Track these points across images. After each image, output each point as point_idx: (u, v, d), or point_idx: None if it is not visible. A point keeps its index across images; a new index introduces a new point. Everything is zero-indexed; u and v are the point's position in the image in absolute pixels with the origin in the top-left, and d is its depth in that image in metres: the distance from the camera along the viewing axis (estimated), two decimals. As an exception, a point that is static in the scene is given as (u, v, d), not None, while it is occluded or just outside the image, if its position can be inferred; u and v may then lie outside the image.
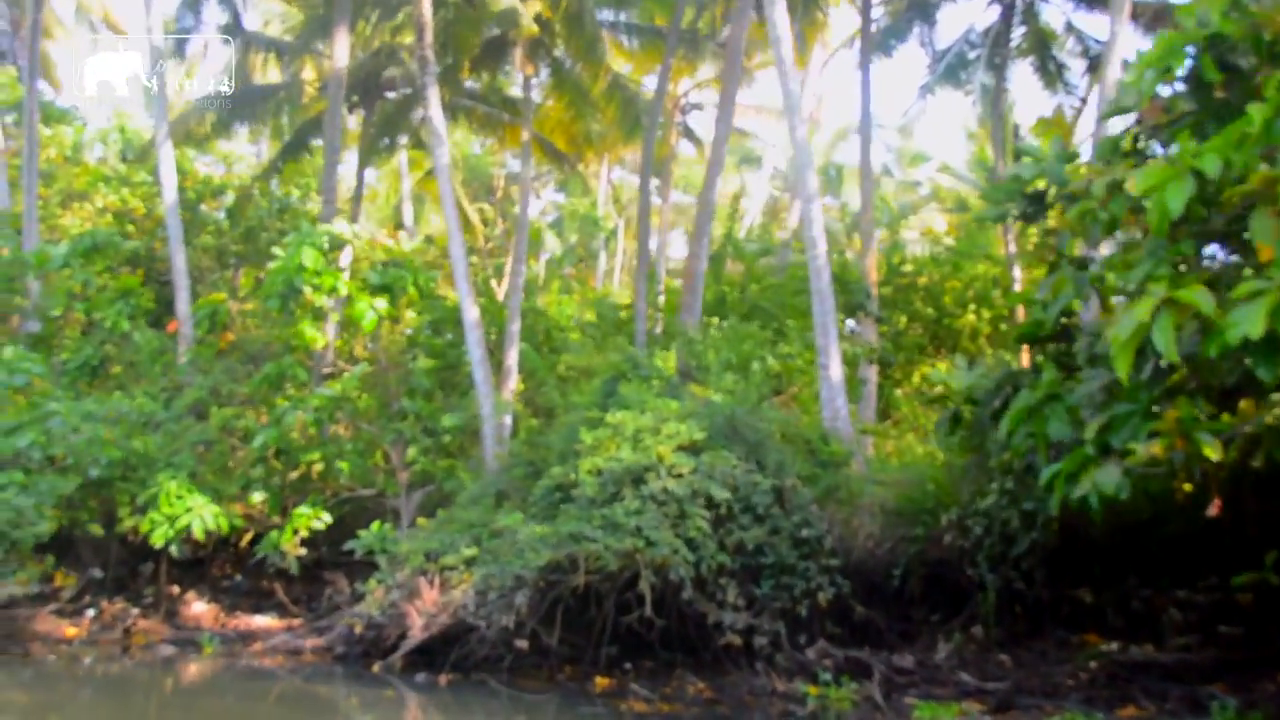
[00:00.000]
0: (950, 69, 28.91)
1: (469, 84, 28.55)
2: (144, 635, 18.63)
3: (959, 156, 46.84)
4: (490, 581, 14.83)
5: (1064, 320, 12.71)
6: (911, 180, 45.69)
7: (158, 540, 17.68)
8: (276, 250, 19.59)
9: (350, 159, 34.59)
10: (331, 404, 19.06)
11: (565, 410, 18.25)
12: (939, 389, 16.33)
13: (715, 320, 21.93)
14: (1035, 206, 12.04)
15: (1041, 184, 11.91)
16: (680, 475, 14.72)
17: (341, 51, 24.32)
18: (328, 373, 20.67)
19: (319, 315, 19.80)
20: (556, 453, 16.51)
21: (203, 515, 17.76)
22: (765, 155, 43.27)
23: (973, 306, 26.96)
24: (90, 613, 19.53)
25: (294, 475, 19.91)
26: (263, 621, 19.76)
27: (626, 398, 15.95)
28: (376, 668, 15.75)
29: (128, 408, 17.64)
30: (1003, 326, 26.52)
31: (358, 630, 16.24)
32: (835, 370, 16.80)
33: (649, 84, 33.47)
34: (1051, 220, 12.31)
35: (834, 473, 16.06)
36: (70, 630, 18.61)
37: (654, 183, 46.74)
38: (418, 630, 15.70)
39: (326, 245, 18.98)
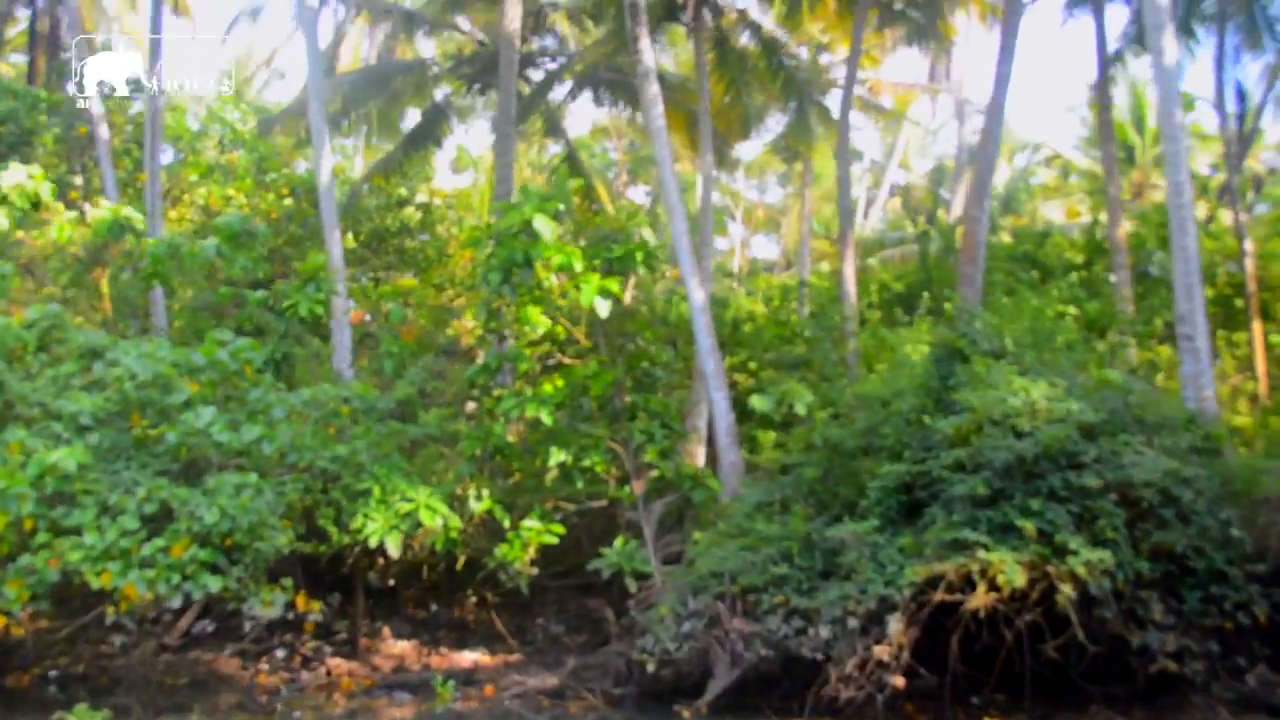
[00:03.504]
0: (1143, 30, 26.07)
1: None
2: (350, 679, 15.82)
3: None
4: (848, 606, 12.02)
5: None
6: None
7: (376, 537, 14.78)
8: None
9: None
10: (561, 398, 16.29)
11: (861, 401, 15.35)
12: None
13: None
14: None
15: None
16: (1083, 465, 11.93)
17: (514, 8, 21.66)
18: (551, 364, 17.83)
19: (541, 298, 17.00)
20: (887, 446, 13.69)
21: (431, 507, 14.91)
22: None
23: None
24: (280, 653, 16.81)
25: (507, 483, 17.25)
26: (472, 657, 17.05)
27: (984, 376, 13.11)
28: (687, 713, 12.97)
29: (354, 395, 14.84)
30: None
31: (650, 668, 13.40)
32: (1203, 341, 14.05)
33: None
34: None
35: (1214, 462, 13.27)
36: (264, 675, 15.87)
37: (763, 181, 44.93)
38: (725, 666, 13.00)
39: (561, 210, 16.18)
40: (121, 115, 27.26)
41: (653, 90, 18.71)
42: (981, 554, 11.48)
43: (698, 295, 18.20)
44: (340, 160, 32.11)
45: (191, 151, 28.06)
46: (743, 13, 24.59)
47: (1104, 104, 23.41)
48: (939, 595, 11.67)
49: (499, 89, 22.09)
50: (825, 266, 35.24)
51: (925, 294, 22.10)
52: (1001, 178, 34.16)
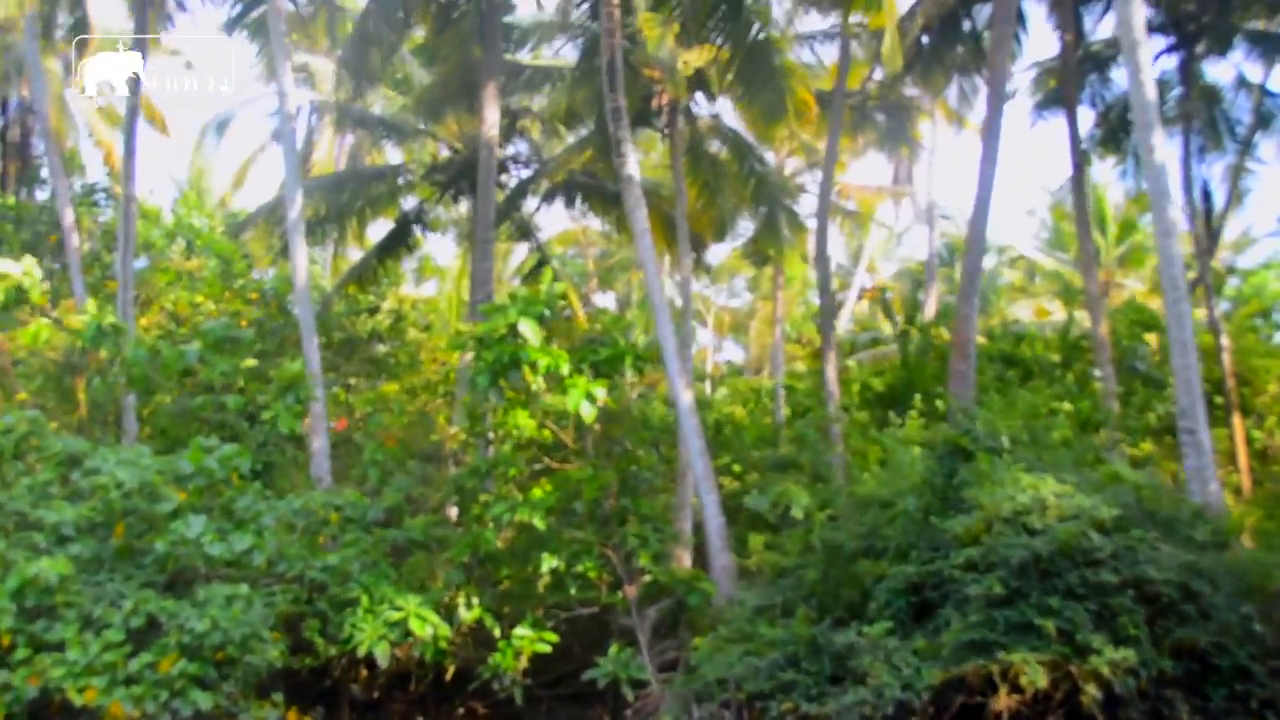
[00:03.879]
0: (1110, 132, 26.71)
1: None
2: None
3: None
4: (864, 711, 11.64)
5: None
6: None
7: (365, 645, 14.28)
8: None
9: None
10: (553, 502, 15.96)
11: (858, 502, 15.12)
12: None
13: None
14: None
15: None
16: (1099, 562, 11.72)
17: (492, 114, 21.71)
18: (538, 469, 17.50)
19: (527, 401, 16.76)
20: (892, 547, 13.43)
21: (421, 616, 14.46)
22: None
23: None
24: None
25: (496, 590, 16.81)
26: (465, 773, 16.45)
27: (990, 474, 12.92)
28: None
29: (346, 502, 14.42)
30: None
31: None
32: (1205, 435, 13.97)
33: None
34: None
35: (1226, 556, 13.10)
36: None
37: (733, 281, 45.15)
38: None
39: (547, 315, 16.03)
40: (91, 222, 26.97)
41: (636, 193, 18.73)
42: (1002, 655, 11.19)
43: (685, 397, 18.01)
44: (311, 267, 31.80)
45: (160, 258, 27.72)
46: (716, 118, 24.81)
47: (1080, 203, 23.72)
48: (960, 699, 11.34)
49: (477, 195, 22.03)
50: (800, 367, 35.26)
51: (913, 393, 22.11)
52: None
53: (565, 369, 16.08)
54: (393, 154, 34.54)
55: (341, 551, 14.11)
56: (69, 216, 24.46)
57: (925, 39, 23.79)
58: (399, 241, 28.61)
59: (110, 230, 28.09)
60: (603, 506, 16.88)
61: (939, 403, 18.15)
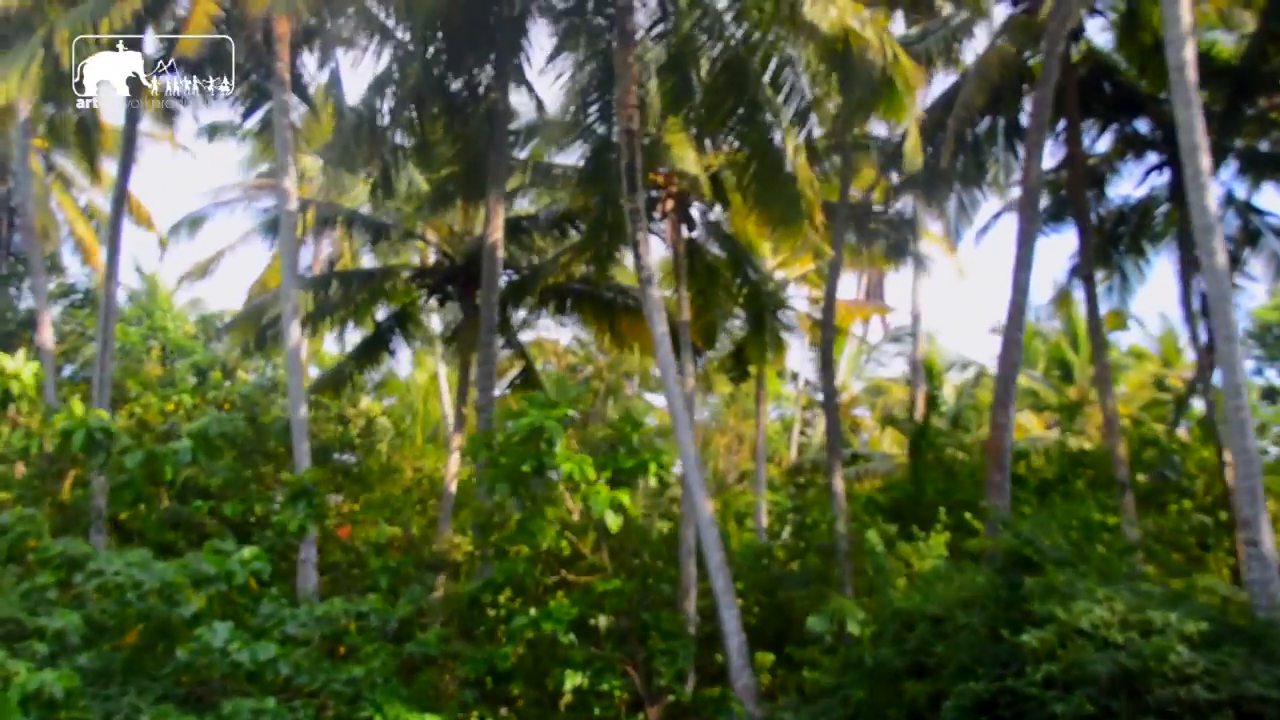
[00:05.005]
0: (1101, 246, 26.81)
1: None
2: None
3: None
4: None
5: None
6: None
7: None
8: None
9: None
10: (575, 616, 15.13)
11: (903, 618, 14.41)
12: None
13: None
14: None
15: None
16: (1191, 678, 11.11)
17: (497, 216, 21.26)
18: (553, 581, 16.64)
19: (547, 509, 16.03)
20: (952, 664, 12.72)
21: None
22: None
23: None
24: None
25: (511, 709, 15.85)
26: None
27: (1060, 586, 12.32)
28: None
29: (370, 610, 13.47)
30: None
31: None
32: (1269, 546, 13.50)
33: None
34: None
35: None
36: None
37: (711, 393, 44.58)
38: None
39: (571, 418, 15.42)
40: (66, 321, 26.07)
41: (655, 297, 18.23)
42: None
43: (706, 508, 17.28)
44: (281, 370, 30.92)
45: (132, 362, 26.78)
46: (716, 224, 24.58)
47: (1094, 323, 23.57)
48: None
49: (480, 299, 21.43)
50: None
51: (920, 507, 21.64)
52: (945, 395, 34.23)
53: (591, 476, 15.44)
54: (367, 259, 34.06)
55: (368, 664, 13.09)
56: (46, 316, 23.60)
57: (927, 152, 23.81)
58: (378, 348, 27.90)
59: (80, 333, 27.25)
60: (620, 621, 16.10)
61: (964, 515, 17.66)
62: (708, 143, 22.22)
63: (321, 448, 28.00)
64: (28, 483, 17.15)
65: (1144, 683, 11.16)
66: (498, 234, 21.27)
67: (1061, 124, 24.12)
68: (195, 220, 34.69)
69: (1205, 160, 13.68)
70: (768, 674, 18.68)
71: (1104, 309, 29.06)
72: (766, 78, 19.38)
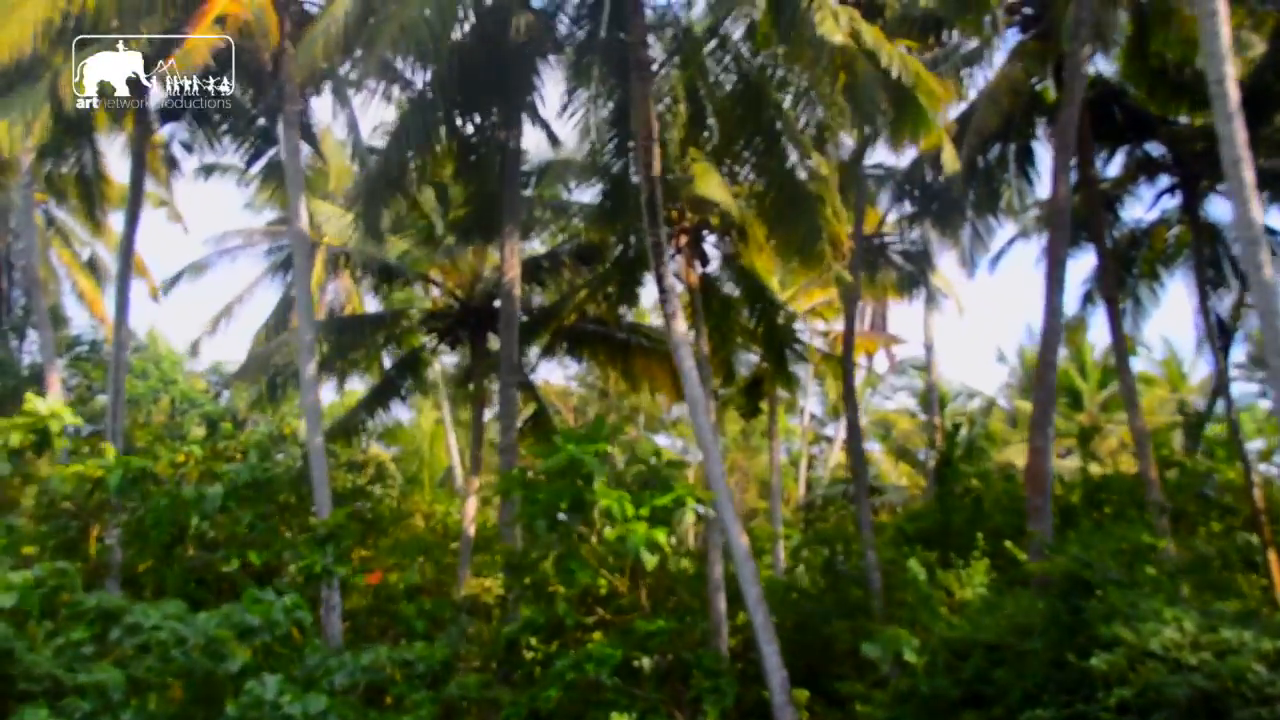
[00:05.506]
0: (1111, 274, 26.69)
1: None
2: None
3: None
4: None
5: None
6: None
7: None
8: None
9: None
10: (618, 657, 14.78)
11: (955, 647, 14.11)
12: None
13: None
14: None
15: None
16: (1272, 699, 10.83)
17: (513, 255, 21.06)
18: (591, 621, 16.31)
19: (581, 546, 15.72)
20: (1016, 691, 12.42)
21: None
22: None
23: None
24: None
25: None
26: None
27: (1124, 608, 12.04)
28: None
29: (416, 657, 13.09)
30: None
31: None
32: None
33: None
34: None
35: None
36: None
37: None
38: None
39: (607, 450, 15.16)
40: (73, 374, 25.74)
41: (681, 330, 17.96)
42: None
43: (741, 543, 16.94)
44: (288, 421, 30.52)
45: (143, 414, 26.46)
46: (730, 257, 24.41)
47: (1119, 344, 23.45)
48: None
49: (502, 338, 21.14)
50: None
51: (949, 535, 21.39)
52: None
53: (630, 512, 15.16)
54: (371, 303, 33.90)
55: (415, 713, 12.71)
56: (53, 369, 23.29)
57: (939, 181, 23.73)
58: (389, 394, 27.64)
59: (87, 385, 26.89)
60: (659, 661, 15.77)
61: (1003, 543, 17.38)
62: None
63: (334, 495, 27.68)
64: (51, 535, 16.74)
65: (1223, 704, 10.88)
66: (515, 272, 21.06)
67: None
68: (197, 267, 34.55)
69: (1249, 174, 13.53)
70: (805, 711, 18.34)
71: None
72: (785, 104, 19.31)
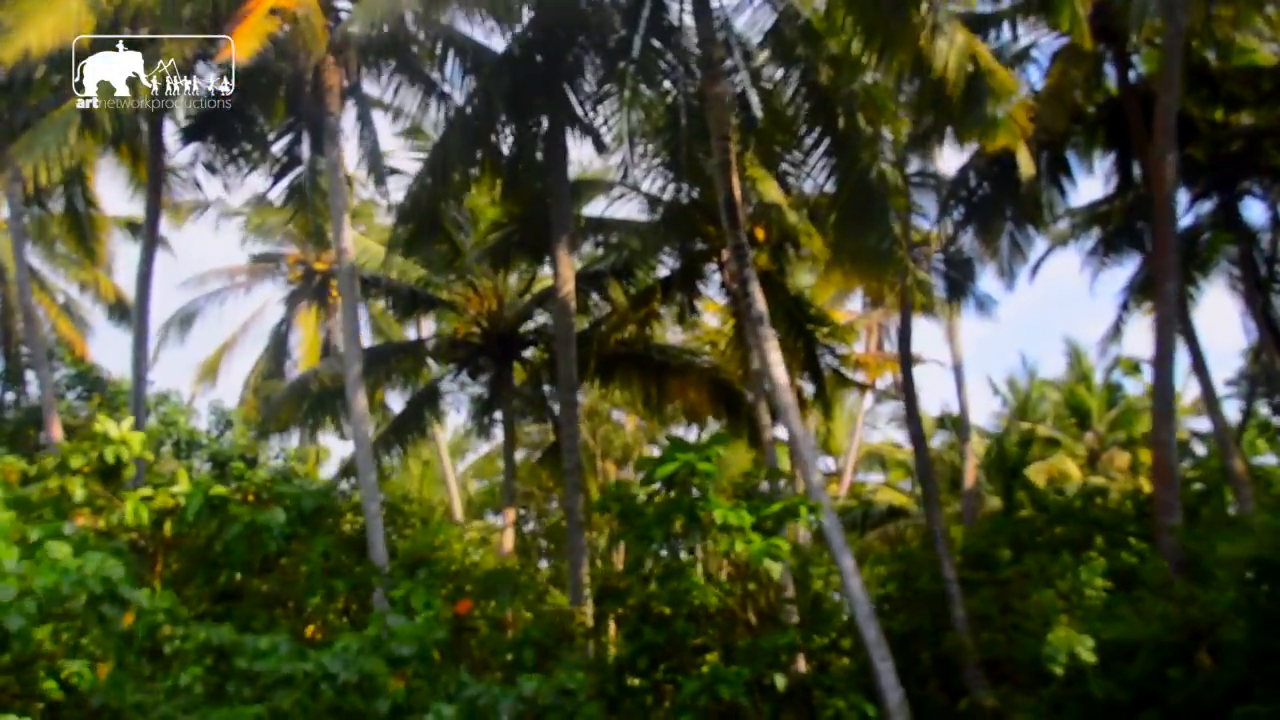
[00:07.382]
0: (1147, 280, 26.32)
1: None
2: None
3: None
4: None
5: None
6: None
7: None
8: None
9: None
10: (747, 676, 13.76)
11: (1117, 647, 13.29)
12: None
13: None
14: None
15: None
16: None
17: (567, 271, 20.11)
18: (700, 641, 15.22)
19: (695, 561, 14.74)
20: (1220, 685, 11.62)
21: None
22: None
23: None
24: None
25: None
26: None
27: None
28: None
29: (578, 685, 11.91)
30: None
31: None
32: None
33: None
34: None
35: None
36: None
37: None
38: None
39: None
40: (73, 417, 24.29)
41: (765, 332, 17.06)
42: None
43: (847, 558, 15.98)
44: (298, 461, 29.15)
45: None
46: (769, 273, 23.61)
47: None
48: None
49: (558, 357, 19.98)
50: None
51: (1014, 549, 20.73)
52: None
53: (747, 523, 14.22)
54: (366, 335, 32.78)
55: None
56: (54, 412, 21.88)
57: (984, 189, 23.26)
58: (409, 429, 26.53)
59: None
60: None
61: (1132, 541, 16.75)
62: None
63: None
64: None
65: None
66: (569, 285, 20.13)
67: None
68: (186, 318, 33.29)
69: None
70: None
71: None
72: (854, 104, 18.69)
